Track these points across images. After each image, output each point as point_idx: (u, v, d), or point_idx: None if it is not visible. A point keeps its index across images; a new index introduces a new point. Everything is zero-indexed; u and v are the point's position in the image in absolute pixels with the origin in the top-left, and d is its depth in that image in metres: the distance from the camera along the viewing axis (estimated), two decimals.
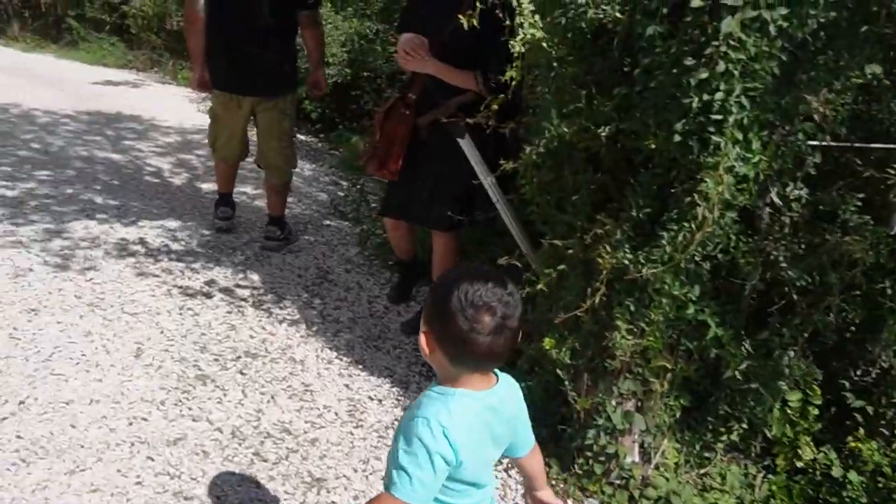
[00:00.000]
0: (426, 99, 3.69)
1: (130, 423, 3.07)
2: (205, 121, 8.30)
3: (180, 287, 4.31)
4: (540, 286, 2.69)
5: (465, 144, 3.54)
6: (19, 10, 16.21)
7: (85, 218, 5.22)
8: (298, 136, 7.25)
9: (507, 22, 2.67)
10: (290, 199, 5.68)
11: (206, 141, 5.21)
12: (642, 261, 2.38)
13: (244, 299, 4.25)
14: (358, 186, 5.88)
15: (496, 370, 1.68)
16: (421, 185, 3.77)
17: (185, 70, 11.33)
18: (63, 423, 3.03)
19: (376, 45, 7.42)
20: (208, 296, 4.25)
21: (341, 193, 6.23)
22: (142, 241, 4.90)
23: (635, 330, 2.53)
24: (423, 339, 1.58)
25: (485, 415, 1.60)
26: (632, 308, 2.52)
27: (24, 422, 3.01)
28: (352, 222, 5.55)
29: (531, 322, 2.88)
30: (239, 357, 3.64)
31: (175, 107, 9.48)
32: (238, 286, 4.41)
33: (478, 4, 2.60)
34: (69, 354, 3.52)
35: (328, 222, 5.59)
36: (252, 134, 4.99)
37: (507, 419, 1.68)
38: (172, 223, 5.27)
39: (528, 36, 2.56)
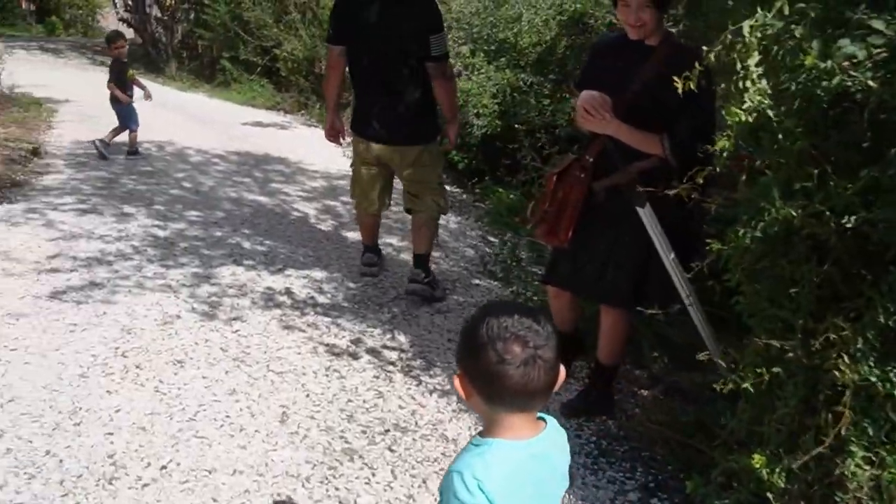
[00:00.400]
0: (604, 162, 3.35)
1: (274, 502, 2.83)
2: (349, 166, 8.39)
3: (326, 345, 4.10)
4: (745, 385, 2.31)
5: (645, 214, 3.20)
6: (178, 51, 16.96)
7: (232, 263, 5.12)
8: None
9: (704, 84, 2.35)
10: (436, 254, 5.47)
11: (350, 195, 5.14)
12: (893, 378, 1.97)
13: (392, 363, 3.98)
14: (509, 244, 5.60)
15: (544, 416, 1.55)
16: (592, 255, 3.43)
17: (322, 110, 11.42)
18: (205, 495, 2.81)
19: (529, 97, 7.17)
20: (355, 356, 4.01)
21: (489, 250, 5.94)
22: (288, 292, 4.74)
23: (874, 459, 2.11)
24: (457, 382, 1.49)
25: (528, 465, 1.46)
26: (871, 432, 2.10)
27: (166, 490, 2.81)
28: (502, 283, 5.25)
29: (730, 430, 2.48)
30: (388, 430, 3.36)
31: (321, 150, 9.45)
32: (385, 347, 4.16)
33: (697, 66, 2.26)
34: (213, 415, 3.33)
35: (477, 281, 5.31)
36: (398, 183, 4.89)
37: (555, 467, 1.54)
38: (318, 273, 5.10)
39: (754, 103, 2.21)
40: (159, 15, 17.43)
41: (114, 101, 8.05)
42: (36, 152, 7.74)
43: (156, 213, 6.06)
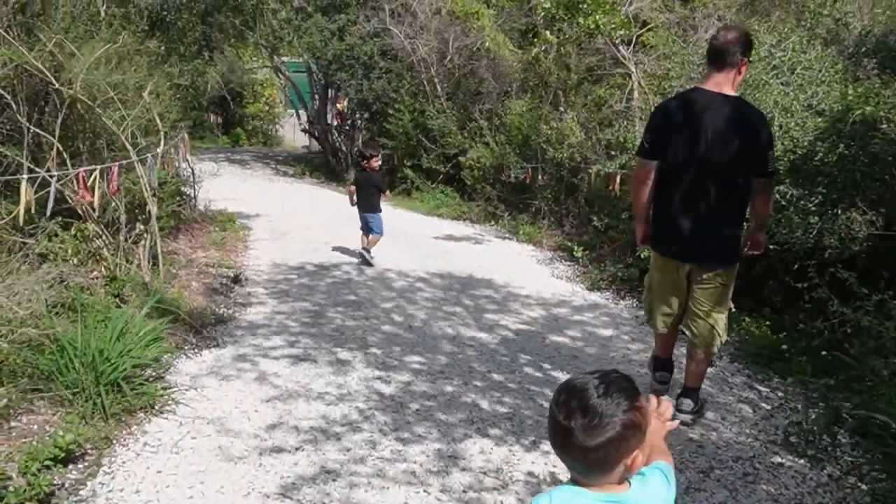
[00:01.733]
0: None
1: None
2: (562, 290, 7.39)
3: None
4: None
5: None
6: (357, 159, 16.79)
7: (477, 433, 4.16)
8: None
9: None
10: (710, 416, 4.39)
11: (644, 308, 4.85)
12: None
13: None
14: (816, 410, 4.39)
15: (640, 479, 1.65)
16: None
17: (526, 226, 10.57)
18: None
19: (791, 213, 6.03)
20: None
21: (768, 406, 4.75)
22: (553, 478, 3.72)
23: None
24: None
25: None
26: None
27: None
28: (814, 462, 4.04)
29: None
30: None
31: (525, 269, 8.60)
32: None
33: None
34: None
35: (779, 459, 4.11)
36: None
37: None
38: None
39: None
40: (340, 123, 17.43)
41: (372, 209, 8.39)
42: (237, 280, 7.19)
43: (374, 359, 5.23)
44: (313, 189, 15.36)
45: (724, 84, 4.09)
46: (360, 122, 16.85)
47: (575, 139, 9.72)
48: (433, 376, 4.98)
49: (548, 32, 11.56)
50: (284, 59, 18.63)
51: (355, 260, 8.37)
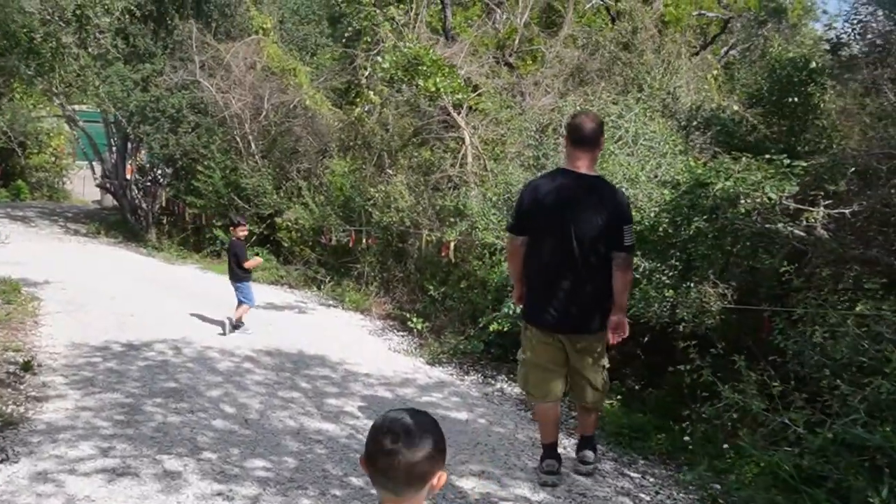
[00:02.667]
0: None
1: None
2: (403, 366, 6.82)
3: None
4: None
5: None
6: (158, 217, 15.48)
7: None
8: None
9: None
10: None
11: (519, 388, 5.07)
12: None
13: None
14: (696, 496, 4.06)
15: None
16: None
17: (351, 292, 9.93)
18: None
19: (647, 286, 5.84)
20: None
21: (647, 497, 4.39)
22: None
23: None
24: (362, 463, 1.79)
25: None
26: None
27: None
28: None
29: None
30: None
31: (358, 342, 7.95)
32: None
33: None
34: None
35: None
36: None
37: None
38: None
39: None
40: (139, 179, 16.04)
41: (234, 278, 8.16)
42: (28, 367, 6.02)
43: (209, 467, 4.37)
44: (112, 250, 13.90)
45: (588, 165, 4.35)
46: (162, 177, 15.59)
47: (404, 203, 9.27)
48: (284, 486, 4.20)
49: (371, 93, 11.15)
50: (76, 107, 17.04)
51: (170, 336, 7.37)
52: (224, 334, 7.69)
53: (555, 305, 4.31)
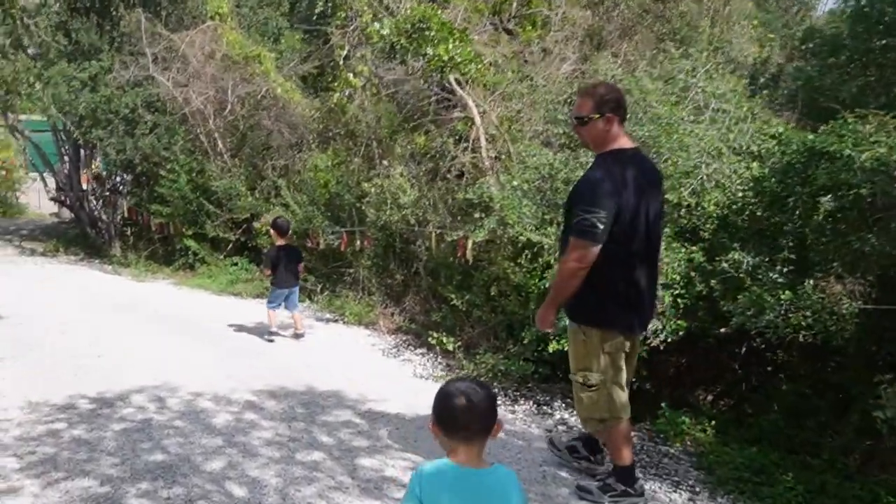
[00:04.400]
0: None
1: None
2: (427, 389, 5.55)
3: None
4: None
5: None
6: (121, 229, 13.90)
7: None
8: None
9: None
10: None
11: (596, 415, 3.98)
12: None
13: None
14: None
15: (500, 465, 2.27)
16: None
17: (352, 304, 8.56)
18: None
19: (750, 285, 4.57)
20: None
21: None
22: None
23: None
24: (431, 426, 2.25)
25: (460, 480, 2.15)
26: None
27: None
28: None
29: None
30: None
31: (374, 368, 6.60)
32: None
33: None
34: None
35: None
36: None
37: (492, 493, 2.16)
38: None
39: None
40: (97, 188, 14.43)
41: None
42: None
43: None
44: (73, 271, 12.29)
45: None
46: (122, 185, 13.99)
47: (407, 198, 7.90)
48: None
49: (351, 75, 9.71)
50: (23, 117, 15.32)
51: (150, 382, 5.96)
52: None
53: (640, 306, 3.92)
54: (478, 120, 7.28)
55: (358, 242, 8.92)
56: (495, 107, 7.26)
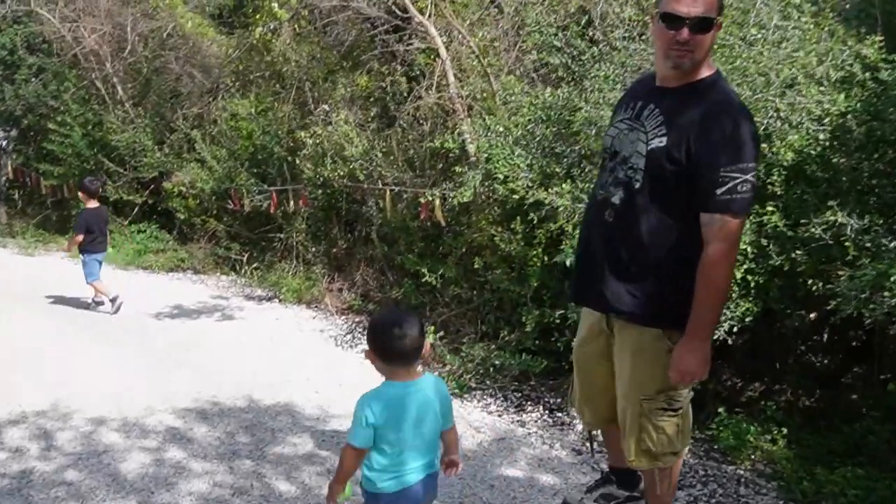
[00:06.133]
0: None
1: None
2: None
3: None
4: None
5: None
6: (7, 193, 11.84)
7: None
8: None
9: None
10: None
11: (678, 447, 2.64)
12: None
13: None
14: None
15: (429, 374, 2.41)
16: None
17: (290, 278, 7.03)
18: None
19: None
20: None
21: None
22: None
23: None
24: (367, 356, 2.34)
25: (405, 396, 2.28)
26: None
27: None
28: None
29: None
30: None
31: (329, 363, 5.17)
32: None
33: None
34: None
35: None
36: None
37: (429, 401, 2.32)
38: None
39: None
40: None
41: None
42: None
43: None
44: None
45: None
46: (7, 142, 11.91)
47: (355, 150, 6.39)
48: None
49: (275, 5, 8.02)
50: None
51: (34, 403, 4.37)
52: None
53: None
54: (443, 52, 5.80)
55: (291, 203, 7.37)
56: (466, 35, 5.78)
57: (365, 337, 5.54)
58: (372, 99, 7.28)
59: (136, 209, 9.69)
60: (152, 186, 9.53)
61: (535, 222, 4.49)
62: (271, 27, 8.12)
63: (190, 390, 4.58)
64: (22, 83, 9.76)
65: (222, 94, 9.17)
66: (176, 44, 9.71)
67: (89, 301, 6.70)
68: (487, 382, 4.65)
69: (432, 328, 5.14)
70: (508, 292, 4.85)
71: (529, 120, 4.86)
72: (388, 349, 2.25)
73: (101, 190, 7.29)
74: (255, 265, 7.75)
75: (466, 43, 5.67)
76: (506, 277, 4.88)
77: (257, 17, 8.32)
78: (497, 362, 4.65)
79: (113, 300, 6.47)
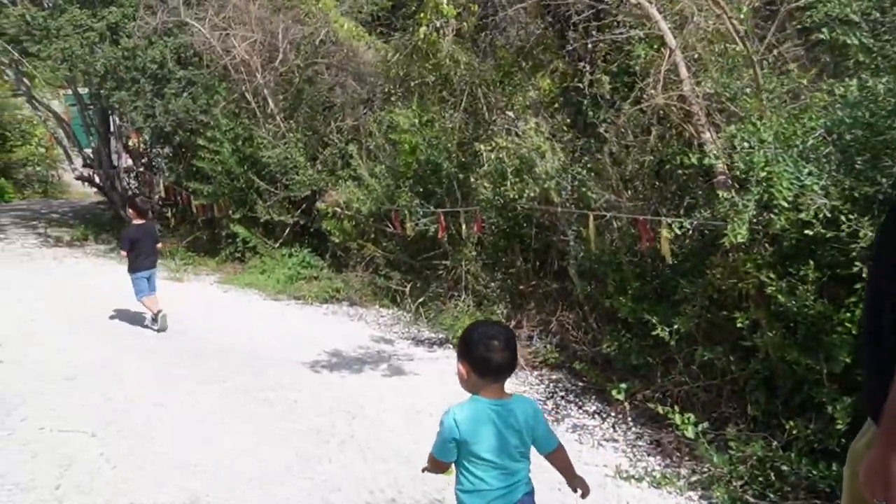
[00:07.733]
0: None
1: None
2: None
3: None
4: None
5: None
6: (160, 211, 11.32)
7: None
8: None
9: None
10: None
11: None
12: None
13: None
14: None
15: (519, 396, 2.28)
16: None
17: (467, 317, 5.81)
18: None
19: None
20: None
21: None
22: None
23: None
24: (460, 367, 2.26)
25: (491, 412, 2.19)
26: None
27: None
28: None
29: None
30: None
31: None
32: None
33: None
34: None
35: None
36: None
37: (517, 420, 2.21)
38: None
39: None
40: (131, 164, 11.91)
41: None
42: None
43: None
44: (98, 267, 9.67)
45: None
46: (159, 160, 11.44)
47: (550, 166, 5.10)
48: None
49: (444, 2, 6.86)
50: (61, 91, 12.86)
51: (167, 499, 3.32)
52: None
53: None
54: (669, 39, 4.40)
55: (463, 227, 6.17)
56: (703, 15, 4.38)
57: (573, 407, 4.24)
58: (556, 105, 6.01)
59: (286, 230, 8.80)
60: (304, 206, 8.63)
61: (837, 269, 3.05)
62: (436, 26, 6.99)
63: (360, 487, 3.40)
64: (171, 97, 9.08)
65: (379, 103, 8.13)
66: (329, 51, 8.78)
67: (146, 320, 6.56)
68: (770, 496, 3.21)
69: (691, 425, 3.74)
70: (792, 365, 3.40)
71: (824, 124, 3.41)
72: (487, 362, 2.20)
73: (150, 212, 7.30)
74: (419, 298, 6.59)
75: (711, 26, 4.25)
76: (785, 343, 3.44)
77: (421, 15, 7.18)
78: (783, 467, 3.21)
79: (155, 317, 6.34)
